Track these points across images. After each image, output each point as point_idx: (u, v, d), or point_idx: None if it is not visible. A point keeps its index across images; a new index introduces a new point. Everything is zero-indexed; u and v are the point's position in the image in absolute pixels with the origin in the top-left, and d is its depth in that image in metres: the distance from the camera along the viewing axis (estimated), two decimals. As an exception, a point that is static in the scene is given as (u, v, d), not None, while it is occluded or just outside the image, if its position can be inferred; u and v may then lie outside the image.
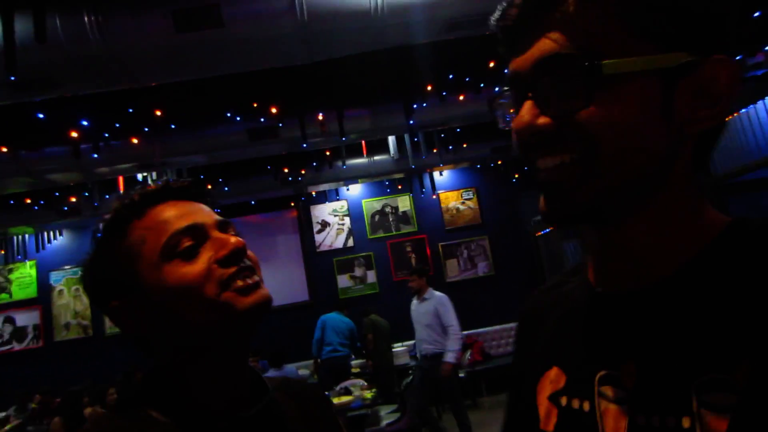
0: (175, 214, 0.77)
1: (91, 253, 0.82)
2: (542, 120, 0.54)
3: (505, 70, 0.60)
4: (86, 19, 3.40)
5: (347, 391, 5.93)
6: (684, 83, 0.52)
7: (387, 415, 5.83)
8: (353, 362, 8.07)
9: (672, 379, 0.51)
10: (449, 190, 9.36)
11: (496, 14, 0.59)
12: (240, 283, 0.74)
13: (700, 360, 0.49)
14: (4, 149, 5.38)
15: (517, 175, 9.16)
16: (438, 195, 9.21)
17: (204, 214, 0.80)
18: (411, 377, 5.82)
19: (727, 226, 0.56)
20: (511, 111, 0.62)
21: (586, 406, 0.59)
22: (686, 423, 0.49)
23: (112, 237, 0.79)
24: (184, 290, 0.72)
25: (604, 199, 0.55)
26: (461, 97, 5.85)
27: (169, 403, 0.74)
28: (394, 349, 7.53)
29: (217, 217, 0.82)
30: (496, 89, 0.70)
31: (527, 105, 0.55)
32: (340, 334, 7.23)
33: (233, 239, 0.76)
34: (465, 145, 7.75)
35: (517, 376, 0.75)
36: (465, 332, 8.70)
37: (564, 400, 0.63)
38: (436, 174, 8.90)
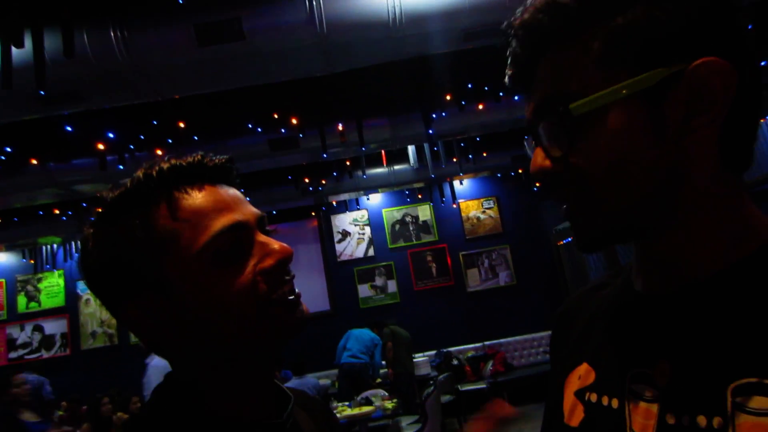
0: (213, 206, 0.66)
1: (96, 232, 0.67)
2: (546, 163, 0.58)
3: None
4: (112, 34, 3.50)
5: (368, 401, 5.92)
6: (672, 96, 0.52)
7: (408, 425, 5.80)
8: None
9: (707, 379, 0.51)
10: (469, 199, 9.33)
11: (508, 79, 0.63)
12: (285, 298, 0.67)
13: (737, 363, 0.49)
14: (34, 161, 5.54)
15: (538, 184, 9.07)
16: (458, 204, 9.19)
17: (244, 206, 0.70)
18: (432, 387, 5.78)
19: None
20: None
21: (615, 403, 0.59)
22: (717, 423, 0.48)
23: (130, 216, 0.65)
24: (224, 302, 0.64)
25: (618, 226, 0.57)
26: (480, 106, 5.84)
27: (187, 417, 0.67)
28: (415, 359, 7.51)
29: (255, 210, 0.72)
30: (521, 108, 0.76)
31: (536, 151, 0.59)
32: (361, 342, 7.25)
33: (278, 246, 0.69)
34: (485, 154, 7.73)
35: (551, 375, 0.75)
36: (487, 343, 8.68)
37: (593, 397, 0.63)
38: (456, 183, 8.89)
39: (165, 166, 0.67)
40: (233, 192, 0.71)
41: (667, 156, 0.53)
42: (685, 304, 0.56)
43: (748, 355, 0.49)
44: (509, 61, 0.61)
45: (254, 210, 0.71)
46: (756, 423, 0.46)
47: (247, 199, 0.74)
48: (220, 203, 0.67)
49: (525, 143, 0.66)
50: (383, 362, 7.50)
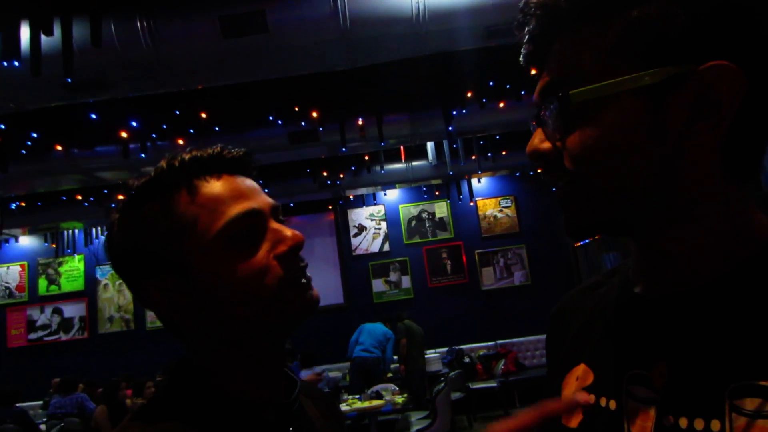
0: (230, 194, 0.71)
1: (121, 218, 0.72)
2: (545, 145, 0.58)
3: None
4: (138, 24, 3.55)
5: (378, 395, 5.95)
6: (676, 97, 0.51)
7: (417, 421, 5.82)
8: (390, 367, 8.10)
9: (705, 381, 0.51)
10: (487, 198, 9.30)
11: (522, 57, 0.64)
12: (297, 282, 0.72)
13: (736, 365, 0.49)
14: (59, 147, 5.64)
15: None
16: (475, 202, 9.16)
17: (259, 196, 0.74)
18: (442, 384, 5.79)
19: None
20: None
21: (613, 404, 0.59)
22: (715, 426, 0.48)
23: (153, 203, 0.70)
24: (239, 283, 0.68)
25: (608, 218, 0.57)
26: (501, 105, 5.81)
27: (201, 397, 0.70)
28: (426, 356, 7.52)
29: (269, 199, 0.76)
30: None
31: (536, 132, 0.60)
32: (374, 337, 7.27)
33: (290, 233, 0.72)
34: (504, 153, 7.70)
35: (548, 375, 0.75)
36: (499, 342, 8.66)
37: (591, 398, 0.62)
38: (474, 181, 8.86)
39: (186, 156, 0.72)
40: (249, 182, 0.75)
41: (663, 156, 0.52)
42: (684, 306, 0.56)
43: (746, 358, 0.49)
44: (525, 39, 0.61)
45: (269, 199, 0.75)
46: (753, 425, 0.46)
47: (265, 190, 0.78)
48: (236, 191, 0.71)
49: (530, 125, 0.66)
50: (395, 357, 7.52)
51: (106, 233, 0.74)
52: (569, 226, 0.60)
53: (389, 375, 7.58)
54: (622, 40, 0.52)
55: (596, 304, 0.71)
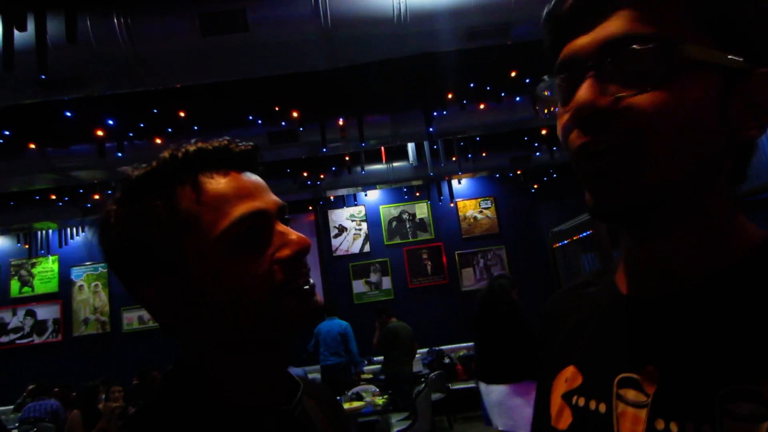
0: (236, 192, 0.67)
1: (118, 209, 0.68)
2: (603, 100, 0.51)
3: (557, 59, 0.59)
4: (115, 21, 3.48)
5: (359, 396, 5.93)
6: (740, 89, 0.52)
7: (398, 422, 5.82)
8: (365, 368, 8.05)
9: (695, 385, 0.50)
10: (467, 199, 9.35)
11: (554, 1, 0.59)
12: (300, 289, 0.68)
13: (726, 369, 0.49)
14: (32, 146, 5.51)
15: (536, 186, 9.12)
16: (456, 203, 9.20)
17: (266, 194, 0.71)
18: (423, 385, 5.80)
19: (763, 239, 0.55)
20: (551, 108, 0.61)
21: (603, 407, 0.59)
22: (707, 430, 0.48)
23: (154, 196, 0.66)
24: (239, 288, 0.64)
25: (653, 195, 0.53)
26: (481, 106, 5.85)
27: (197, 403, 0.67)
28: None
29: (276, 199, 0.72)
30: (543, 79, 0.54)
31: (587, 84, 0.53)
32: (332, 343, 7.04)
33: (295, 237, 0.69)
34: (484, 154, 7.74)
35: (539, 376, 0.75)
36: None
37: (581, 400, 0.62)
38: (454, 182, 8.90)
39: (191, 148, 0.68)
40: (256, 179, 0.72)
41: (721, 143, 0.52)
42: (674, 308, 0.56)
43: (736, 362, 0.49)
44: None
45: (275, 199, 0.71)
46: (744, 429, 0.46)
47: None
48: (242, 190, 0.68)
49: (544, 85, 0.60)
50: (358, 354, 7.21)
51: (100, 224, 0.69)
52: (603, 203, 0.54)
53: (368, 376, 7.55)
54: (719, 13, 0.51)
55: (586, 305, 0.70)
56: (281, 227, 0.70)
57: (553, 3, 0.59)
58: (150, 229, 0.65)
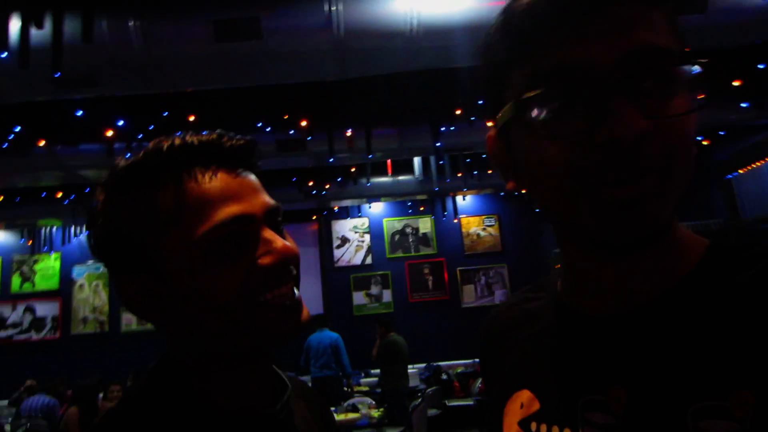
0: (220, 193, 0.63)
1: (105, 199, 0.66)
2: (642, 123, 0.46)
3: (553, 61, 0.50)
4: (131, 23, 3.53)
5: (354, 408, 5.90)
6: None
7: (392, 436, 5.77)
8: (361, 380, 8.00)
9: (665, 404, 0.49)
10: (471, 215, 9.35)
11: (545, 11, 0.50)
12: (279, 302, 0.64)
13: (694, 385, 0.48)
14: (42, 143, 5.56)
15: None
16: (459, 219, 9.20)
17: (255, 196, 0.66)
18: (419, 399, 5.76)
19: (707, 248, 0.55)
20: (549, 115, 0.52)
21: None
22: None
23: (137, 191, 0.63)
24: (216, 294, 0.61)
25: (668, 221, 0.51)
26: (489, 123, 5.86)
27: (178, 401, 0.65)
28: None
29: (268, 200, 0.67)
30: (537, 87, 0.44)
31: (625, 104, 0.46)
32: (323, 353, 6.99)
33: (280, 245, 0.64)
34: (490, 171, 7.75)
35: (488, 401, 0.71)
36: (477, 360, 8.63)
37: (542, 428, 0.59)
38: (459, 198, 8.91)
39: (177, 142, 0.65)
40: (246, 179, 0.67)
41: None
42: (636, 325, 0.54)
43: (704, 377, 0.48)
44: None
45: (266, 201, 0.67)
46: None
47: None
48: (227, 191, 0.63)
49: (541, 98, 0.50)
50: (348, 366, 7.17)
51: (88, 212, 0.68)
52: (625, 234, 0.49)
53: (364, 389, 7.50)
54: (678, 35, 0.51)
55: (531, 323, 0.67)
56: (268, 233, 0.65)
57: None
58: (131, 224, 0.63)
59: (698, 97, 0.49)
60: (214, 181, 0.63)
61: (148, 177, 0.63)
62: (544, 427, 0.58)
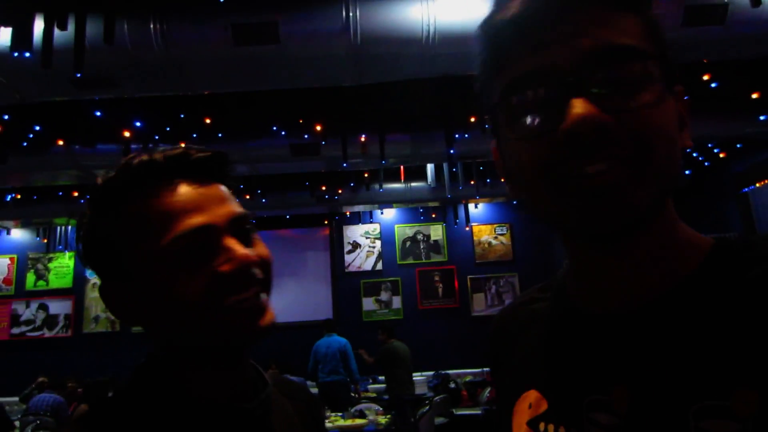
0: (182, 206, 0.67)
1: (88, 213, 0.71)
2: (604, 118, 0.49)
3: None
4: (152, 26, 3.58)
5: (362, 414, 5.89)
6: (681, 100, 0.55)
7: (398, 443, 5.74)
8: (369, 386, 7.98)
9: (666, 403, 0.49)
10: (483, 224, 9.32)
11: (517, 16, 0.54)
12: (240, 306, 0.67)
13: (696, 384, 0.48)
14: (60, 142, 5.64)
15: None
16: (471, 227, 9.18)
17: (218, 207, 0.69)
18: (427, 407, 5.74)
19: (711, 247, 0.55)
20: (523, 119, 0.54)
21: None
22: None
23: (109, 205, 0.69)
24: (179, 299, 0.66)
25: (648, 209, 0.51)
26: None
27: (164, 395, 0.70)
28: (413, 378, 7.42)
29: (234, 209, 0.71)
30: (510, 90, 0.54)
31: (580, 101, 0.49)
32: (331, 361, 6.98)
33: (240, 253, 0.67)
34: (503, 180, 7.71)
35: (498, 401, 0.72)
36: (486, 369, 8.58)
37: (550, 428, 0.59)
38: (471, 206, 8.89)
39: (145, 158, 0.69)
40: (212, 190, 0.71)
41: (681, 153, 0.54)
42: (638, 325, 0.54)
43: (705, 377, 0.48)
44: None
45: (231, 210, 0.70)
46: None
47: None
48: (190, 204, 0.67)
49: (514, 100, 0.54)
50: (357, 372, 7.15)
51: (78, 224, 0.74)
52: (601, 223, 0.51)
53: (372, 395, 7.47)
54: (653, 33, 0.54)
55: (538, 323, 0.68)
56: (229, 242, 0.68)
57: (499, 8, 0.56)
58: (104, 236, 0.69)
59: (666, 91, 0.52)
60: (177, 195, 0.68)
61: (119, 194, 0.68)
62: (551, 428, 0.59)
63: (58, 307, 9.12)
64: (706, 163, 7.31)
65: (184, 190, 0.68)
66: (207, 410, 0.70)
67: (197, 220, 0.67)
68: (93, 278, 9.15)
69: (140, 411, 0.68)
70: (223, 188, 0.72)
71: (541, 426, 0.60)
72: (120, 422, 0.68)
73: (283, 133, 5.74)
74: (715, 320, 0.50)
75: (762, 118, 5.36)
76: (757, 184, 6.73)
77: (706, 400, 0.47)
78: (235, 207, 0.71)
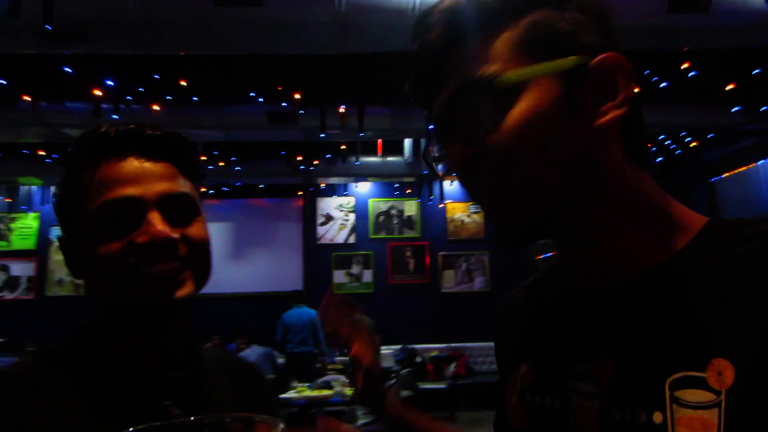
0: (117, 177, 0.73)
1: (62, 176, 0.79)
2: (469, 151, 0.56)
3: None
4: (127, -22, 3.43)
5: (328, 386, 5.93)
6: (584, 83, 0.55)
7: (364, 414, 5.82)
8: (336, 359, 8.03)
9: (645, 374, 0.52)
10: (457, 201, 9.36)
11: (410, 83, 0.63)
12: (154, 277, 0.71)
13: (674, 356, 0.50)
14: (26, 98, 5.41)
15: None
16: (445, 204, 9.22)
17: (155, 183, 0.74)
18: (393, 380, 5.81)
19: (704, 225, 0.57)
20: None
21: (558, 402, 0.59)
22: (658, 418, 0.49)
23: (69, 171, 0.77)
24: (100, 262, 0.71)
25: (543, 212, 0.56)
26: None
27: (93, 356, 0.73)
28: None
29: (169, 187, 0.75)
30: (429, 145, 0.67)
31: (452, 144, 0.58)
32: (301, 332, 6.99)
33: (157, 229, 0.71)
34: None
35: (499, 376, 0.75)
36: (452, 345, 8.74)
37: (536, 398, 0.62)
38: (446, 183, 8.91)
39: (101, 130, 0.76)
40: (156, 167, 0.75)
41: (583, 138, 0.55)
42: (622, 299, 0.57)
43: (683, 349, 0.50)
44: (420, 57, 0.61)
45: (162, 188, 0.74)
46: (693, 416, 0.48)
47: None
48: (128, 176, 0.73)
49: (432, 151, 0.65)
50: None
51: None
52: (508, 235, 0.57)
53: (338, 366, 7.53)
54: (528, 39, 0.56)
55: (536, 302, 0.71)
56: (154, 217, 0.73)
57: (409, 86, 0.64)
58: (65, 196, 0.77)
59: (499, 110, 0.56)
60: (121, 167, 0.74)
61: (78, 160, 0.75)
62: (537, 397, 0.62)
63: (21, 269, 8.87)
64: (677, 152, 7.45)
65: (130, 163, 0.74)
66: (129, 374, 0.73)
67: (127, 191, 0.72)
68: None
69: (65, 367, 0.71)
70: (172, 167, 0.77)
71: (529, 396, 0.63)
72: (43, 377, 0.70)
73: (260, 99, 5.62)
74: (697, 294, 0.52)
75: (735, 109, 5.47)
76: (726, 174, 6.90)
77: (681, 371, 0.49)
78: (172, 186, 0.75)
